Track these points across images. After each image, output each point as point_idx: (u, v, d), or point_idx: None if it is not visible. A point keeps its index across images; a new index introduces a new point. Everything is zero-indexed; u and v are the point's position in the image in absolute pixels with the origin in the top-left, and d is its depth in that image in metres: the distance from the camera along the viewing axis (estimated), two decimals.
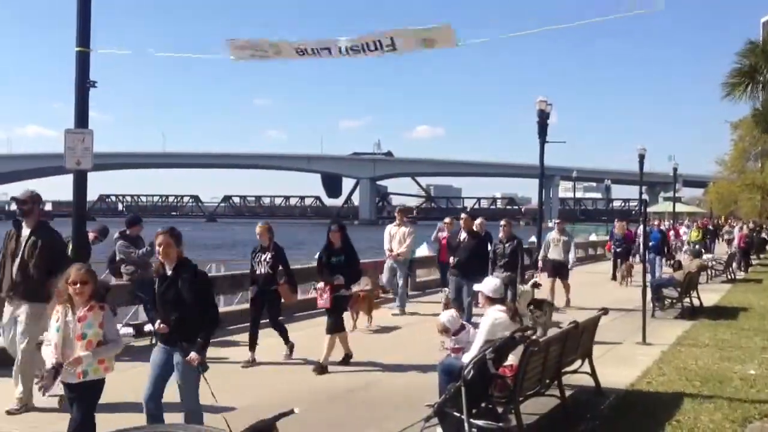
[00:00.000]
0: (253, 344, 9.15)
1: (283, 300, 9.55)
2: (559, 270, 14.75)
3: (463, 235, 11.51)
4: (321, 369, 8.57)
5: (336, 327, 8.87)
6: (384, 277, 14.06)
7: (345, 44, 8.07)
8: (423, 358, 9.46)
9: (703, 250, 24.03)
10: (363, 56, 8.09)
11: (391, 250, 13.74)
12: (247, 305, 10.77)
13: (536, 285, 11.60)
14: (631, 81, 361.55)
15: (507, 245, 11.94)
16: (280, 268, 9.39)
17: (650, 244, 18.93)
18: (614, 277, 21.03)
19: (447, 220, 15.01)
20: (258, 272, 9.33)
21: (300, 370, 8.79)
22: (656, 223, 21.25)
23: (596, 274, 22.97)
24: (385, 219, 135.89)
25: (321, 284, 9.00)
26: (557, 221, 15.58)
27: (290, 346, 9.45)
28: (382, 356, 9.61)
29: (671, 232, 28.93)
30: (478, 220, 12.19)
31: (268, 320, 9.47)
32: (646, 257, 19.21)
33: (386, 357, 9.58)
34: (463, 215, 12.08)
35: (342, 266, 8.99)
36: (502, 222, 12.40)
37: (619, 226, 21.80)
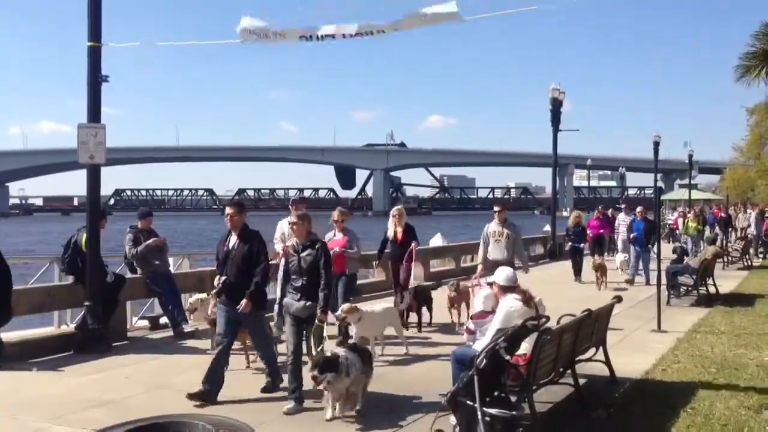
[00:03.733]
0: None
1: None
2: None
3: (232, 240, 7.31)
4: None
5: None
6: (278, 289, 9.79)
7: (350, 31, 8.30)
8: (435, 348, 9.49)
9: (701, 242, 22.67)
10: (367, 35, 8.30)
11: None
12: None
13: (342, 319, 8.32)
14: (645, 67, 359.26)
15: (304, 255, 7.09)
16: None
17: (633, 234, 17.11)
18: (578, 278, 17.63)
19: (335, 216, 9.86)
20: None
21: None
22: (639, 210, 18.38)
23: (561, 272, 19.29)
24: None
25: None
26: (497, 209, 11.32)
27: None
28: (392, 348, 9.64)
29: (679, 220, 28.38)
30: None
31: None
32: (632, 249, 17.37)
33: (397, 348, 9.61)
34: (228, 209, 7.55)
35: None
36: (293, 218, 7.69)
37: (574, 216, 18.70)
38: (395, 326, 9.30)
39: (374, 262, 13.38)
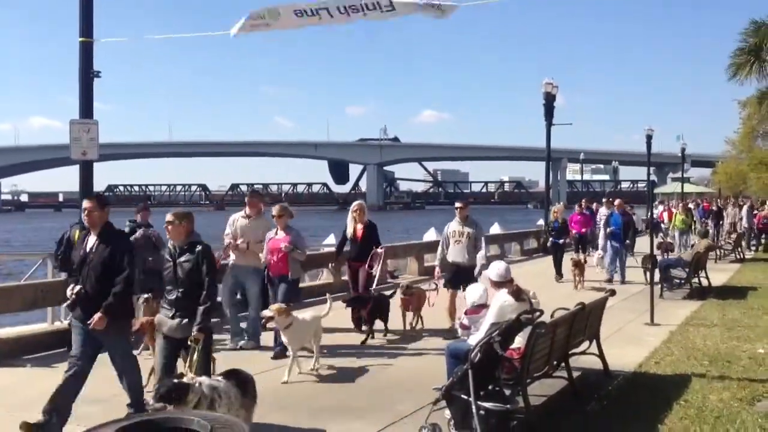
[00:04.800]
0: None
1: None
2: (461, 278, 9.46)
3: (91, 241, 6.03)
4: None
5: None
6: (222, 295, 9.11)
7: (343, 2, 7.84)
8: (430, 343, 9.50)
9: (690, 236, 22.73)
10: (362, 17, 7.75)
11: (237, 247, 9.08)
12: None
13: (269, 318, 7.68)
14: (638, 61, 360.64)
15: (181, 261, 5.98)
16: None
17: (610, 230, 16.15)
18: (560, 276, 16.40)
19: (274, 211, 9.18)
20: None
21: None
22: (617, 203, 17.25)
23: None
24: (392, 204, 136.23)
25: None
26: (459, 205, 10.27)
27: None
28: (389, 342, 9.65)
29: (664, 214, 28.42)
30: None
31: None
32: (608, 245, 16.33)
33: (393, 343, 9.62)
34: (86, 202, 6.16)
35: None
36: (169, 217, 6.12)
37: (553, 211, 17.70)
38: (316, 337, 8.11)
39: (330, 264, 12.19)
